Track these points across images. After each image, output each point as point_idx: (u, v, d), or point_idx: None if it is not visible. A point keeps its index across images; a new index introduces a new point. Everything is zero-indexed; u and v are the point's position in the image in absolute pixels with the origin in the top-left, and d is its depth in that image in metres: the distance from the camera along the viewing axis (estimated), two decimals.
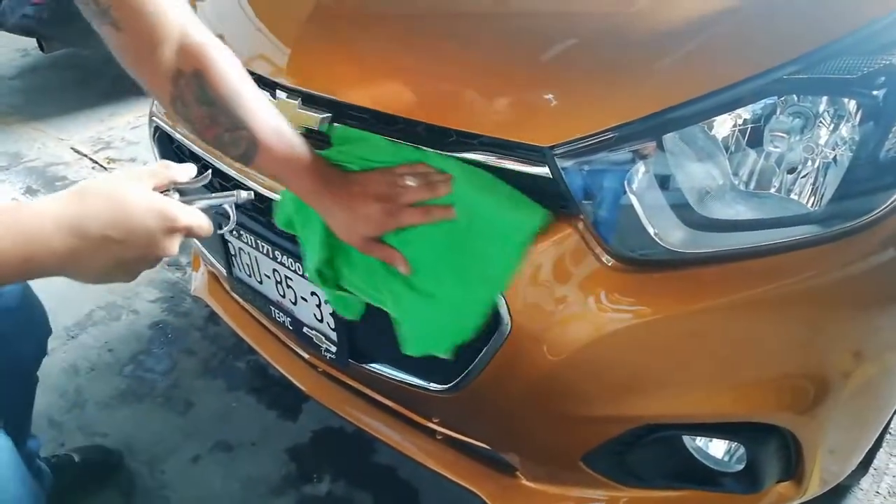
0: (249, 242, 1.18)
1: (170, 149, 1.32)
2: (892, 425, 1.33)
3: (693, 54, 0.85)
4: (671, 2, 0.91)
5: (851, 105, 0.81)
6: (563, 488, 1.04)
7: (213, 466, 1.48)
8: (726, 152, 0.84)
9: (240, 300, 1.38)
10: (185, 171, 0.75)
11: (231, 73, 0.82)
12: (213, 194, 0.80)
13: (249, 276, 1.24)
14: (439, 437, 1.14)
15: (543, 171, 0.84)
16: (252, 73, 1.10)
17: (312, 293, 1.10)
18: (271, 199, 1.04)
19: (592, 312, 0.84)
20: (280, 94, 1.04)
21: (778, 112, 0.82)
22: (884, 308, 0.90)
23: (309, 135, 1.03)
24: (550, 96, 0.87)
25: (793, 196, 0.84)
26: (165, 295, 2.03)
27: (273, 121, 0.85)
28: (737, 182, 0.85)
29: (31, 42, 3.76)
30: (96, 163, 2.92)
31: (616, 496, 1.01)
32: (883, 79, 0.79)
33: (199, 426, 1.58)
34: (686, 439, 0.96)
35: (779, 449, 0.92)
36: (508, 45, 0.94)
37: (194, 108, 0.81)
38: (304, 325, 1.16)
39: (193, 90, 0.80)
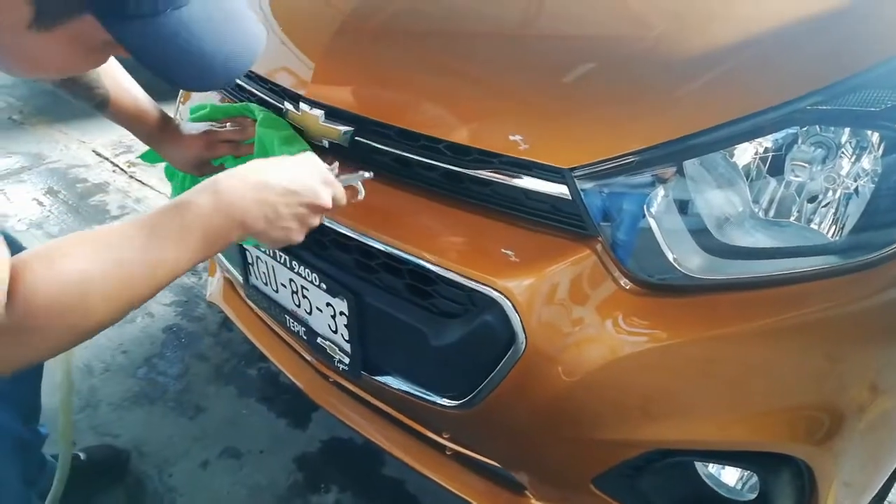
0: (267, 251, 1.19)
1: None
2: None
3: (716, 81, 0.85)
4: (697, 29, 0.92)
5: (874, 137, 0.81)
6: None
7: (221, 472, 1.48)
8: (747, 180, 0.84)
9: (254, 308, 1.39)
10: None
11: None
12: (348, 174, 0.91)
13: (265, 284, 1.25)
14: (449, 453, 1.14)
15: (563, 191, 0.84)
16: (276, 86, 1.13)
17: (328, 304, 1.11)
18: None
19: (608, 335, 0.84)
20: (304, 106, 1.06)
21: (800, 142, 0.82)
22: None
23: (331, 147, 1.05)
24: (572, 118, 0.88)
25: (813, 226, 0.83)
26: (180, 299, 2.05)
27: (123, 80, 1.08)
28: (757, 210, 0.85)
29: None
30: (117, 166, 2.96)
31: None
32: None
33: (209, 431, 1.59)
34: (698, 466, 0.95)
35: (792, 479, 0.92)
36: (532, 66, 0.95)
37: None
38: (318, 335, 1.17)
39: None
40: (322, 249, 1.08)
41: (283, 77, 1.12)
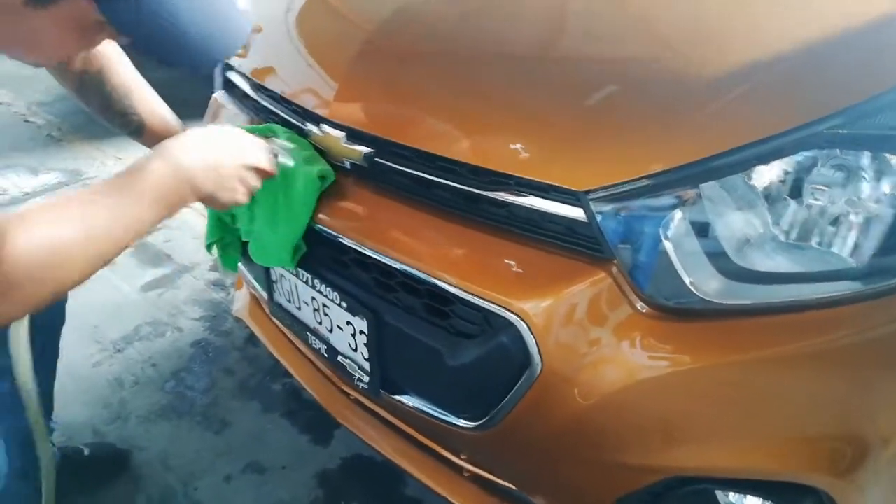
0: (290, 270, 1.21)
1: None
2: None
3: (735, 103, 0.84)
4: (716, 50, 0.92)
5: (894, 161, 0.79)
6: None
7: (244, 487, 1.50)
8: (766, 202, 0.83)
9: (278, 324, 1.41)
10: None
11: (125, 71, 1.10)
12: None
13: (289, 301, 1.27)
14: (466, 474, 1.14)
15: (578, 214, 0.85)
16: (298, 107, 1.16)
17: (348, 322, 1.12)
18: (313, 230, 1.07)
19: (624, 358, 0.84)
20: (326, 127, 1.08)
21: (819, 164, 0.81)
22: None
23: (353, 167, 1.06)
24: (588, 140, 0.88)
25: (834, 249, 0.82)
26: (208, 314, 2.08)
27: (156, 108, 1.14)
28: (776, 233, 0.84)
29: None
30: None
31: None
32: None
33: (234, 446, 1.61)
34: (719, 494, 0.94)
35: None
36: (549, 88, 0.96)
37: (94, 97, 1.10)
38: (338, 353, 1.18)
39: (95, 84, 1.08)
40: (343, 269, 1.10)
41: (306, 98, 1.15)
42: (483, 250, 0.93)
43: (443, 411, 1.05)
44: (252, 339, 1.94)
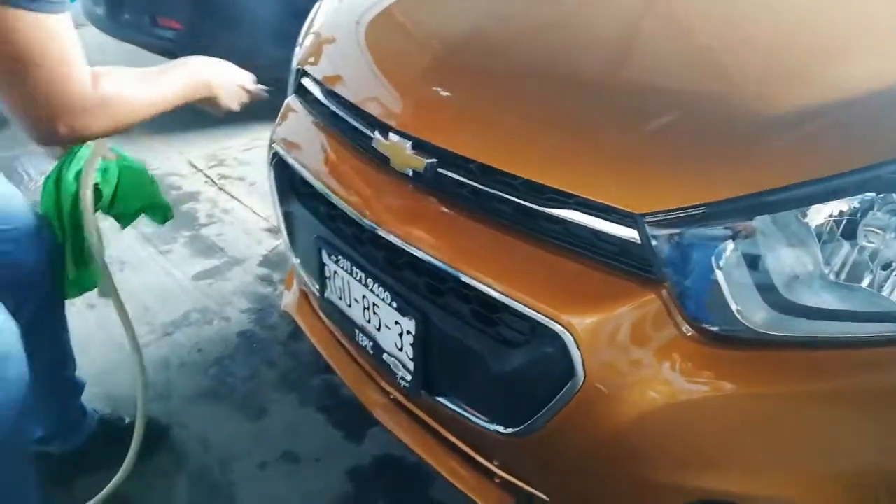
0: (345, 267, 1.26)
1: (284, 174, 1.44)
2: None
3: (797, 141, 0.87)
4: (784, 88, 0.94)
5: None
6: None
7: (277, 475, 1.55)
8: (819, 241, 0.85)
9: (325, 320, 1.47)
10: None
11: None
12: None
13: (340, 298, 1.32)
14: (497, 481, 1.16)
15: (633, 235, 0.88)
16: (368, 114, 1.22)
17: (396, 322, 1.17)
18: (371, 232, 1.12)
19: (666, 379, 0.86)
20: (392, 136, 1.13)
21: (875, 208, 0.82)
22: None
23: (414, 175, 1.11)
24: (649, 164, 0.91)
25: (884, 293, 0.83)
26: (255, 307, 2.16)
27: None
28: (827, 272, 0.85)
29: (163, 61, 4.13)
30: (209, 178, 3.16)
31: None
32: None
33: (270, 434, 1.66)
34: None
35: None
36: (615, 111, 0.99)
37: None
38: (384, 351, 1.23)
39: None
40: (396, 270, 1.14)
41: (375, 107, 1.20)
42: (535, 262, 0.96)
43: (481, 415, 1.08)
44: (295, 335, 2.00)
